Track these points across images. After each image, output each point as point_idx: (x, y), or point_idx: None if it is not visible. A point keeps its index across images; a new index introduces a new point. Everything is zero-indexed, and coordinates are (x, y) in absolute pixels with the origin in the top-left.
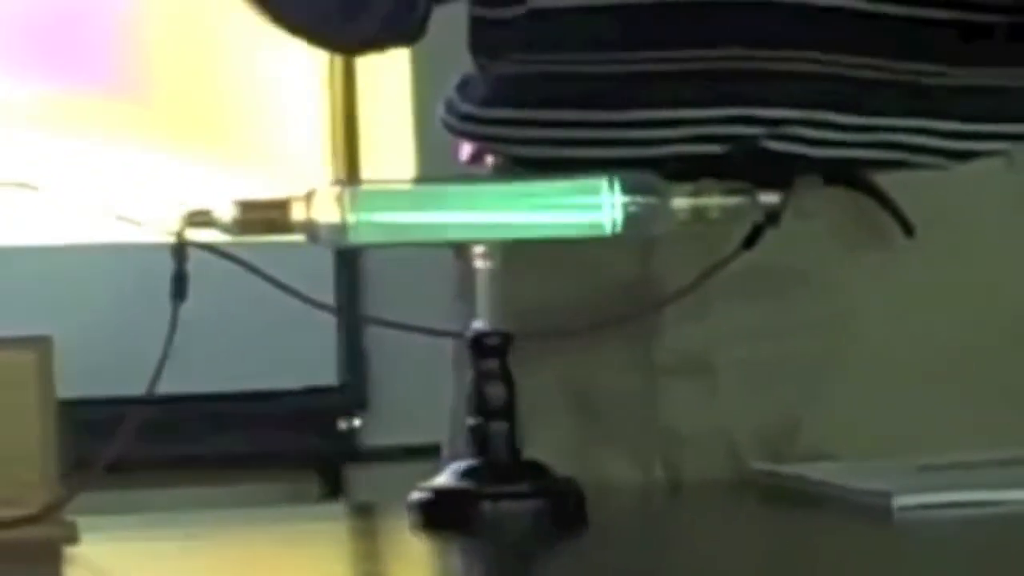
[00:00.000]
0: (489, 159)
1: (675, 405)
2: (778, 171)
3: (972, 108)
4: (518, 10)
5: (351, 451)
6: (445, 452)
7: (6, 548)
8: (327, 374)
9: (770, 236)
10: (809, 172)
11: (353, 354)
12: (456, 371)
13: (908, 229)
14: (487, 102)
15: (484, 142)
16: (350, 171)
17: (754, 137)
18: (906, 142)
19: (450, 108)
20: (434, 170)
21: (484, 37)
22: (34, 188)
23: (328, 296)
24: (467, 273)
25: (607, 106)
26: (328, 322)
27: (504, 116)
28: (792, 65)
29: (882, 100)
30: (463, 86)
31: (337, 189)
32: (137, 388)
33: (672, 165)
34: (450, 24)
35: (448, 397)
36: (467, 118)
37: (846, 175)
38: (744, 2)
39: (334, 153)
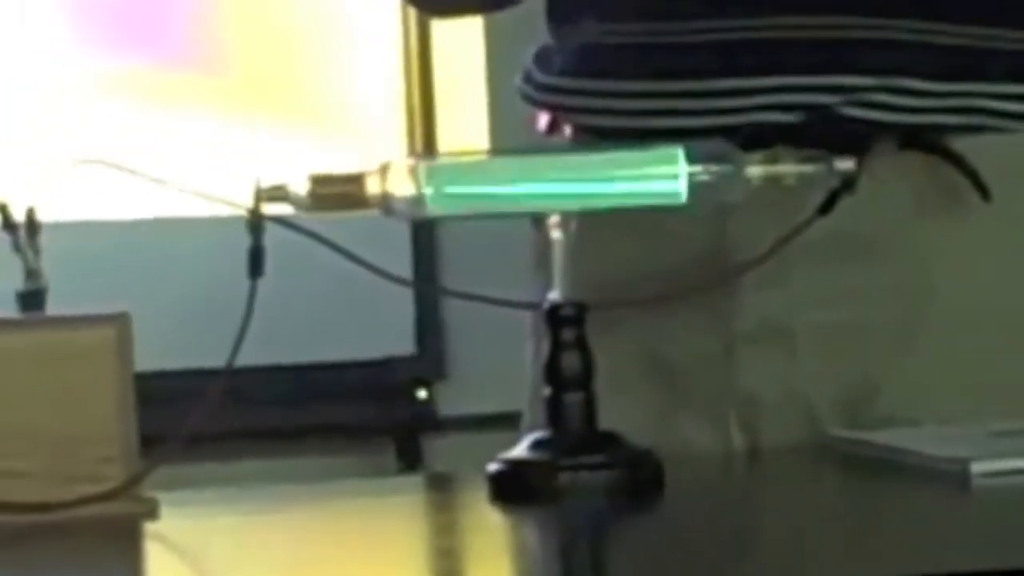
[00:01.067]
0: (567, 129)
1: (753, 371)
2: (854, 136)
3: None
4: None
5: (429, 421)
6: (525, 422)
7: (87, 524)
8: (404, 344)
9: (846, 201)
10: (886, 137)
11: (430, 324)
12: (534, 341)
13: (984, 192)
14: (565, 72)
15: (561, 112)
16: (427, 143)
17: (829, 106)
18: (989, 107)
19: (528, 79)
20: (508, 141)
21: (562, 5)
22: (112, 164)
23: (404, 266)
24: (545, 243)
25: (685, 76)
26: (405, 292)
27: (581, 87)
28: (877, 32)
29: (967, 66)
30: (540, 57)
31: (412, 162)
32: (216, 361)
33: (748, 132)
34: None
35: (526, 367)
36: (545, 88)
37: (921, 139)
38: None
39: (410, 125)
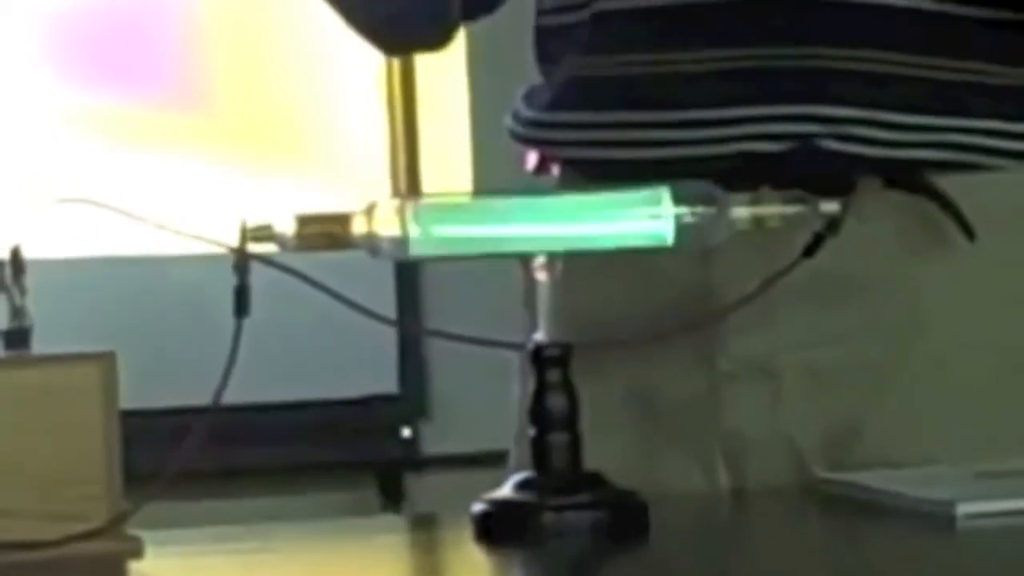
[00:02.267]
0: (555, 169)
1: (738, 412)
2: (838, 173)
3: None
4: (582, 15)
5: (412, 460)
6: (511, 462)
7: (71, 563)
8: (388, 383)
9: (831, 241)
10: (870, 174)
11: (413, 363)
12: (521, 380)
13: (970, 233)
14: (550, 106)
15: (548, 147)
16: (411, 183)
17: (813, 135)
18: (973, 143)
19: (516, 116)
20: (492, 182)
21: (548, 45)
22: (97, 203)
23: (388, 306)
24: (532, 284)
25: (668, 106)
26: (388, 331)
27: (567, 120)
28: (861, 65)
29: (949, 101)
30: (529, 96)
31: (398, 202)
32: (199, 399)
33: (732, 165)
34: (507, 37)
35: (512, 407)
36: (531, 123)
37: (907, 178)
38: (816, 1)
39: (394, 165)
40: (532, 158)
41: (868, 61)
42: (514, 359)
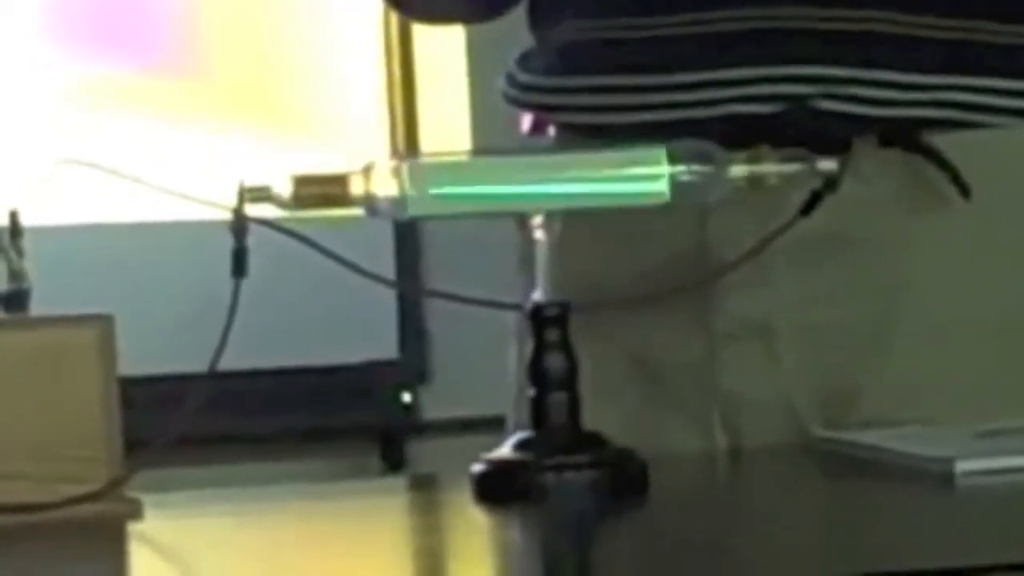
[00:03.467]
0: (550, 130)
1: (735, 371)
2: (832, 132)
3: None
4: None
5: (412, 424)
6: (509, 423)
7: (71, 525)
8: (388, 348)
9: (828, 200)
10: (866, 133)
11: (413, 328)
12: (518, 343)
13: (964, 191)
14: (545, 71)
15: (543, 111)
16: (409, 144)
17: (806, 96)
18: (969, 101)
19: (511, 80)
20: (490, 142)
21: (542, 8)
22: (94, 166)
23: (388, 270)
24: (529, 244)
25: (664, 69)
26: (388, 295)
27: (561, 84)
28: (856, 24)
29: (946, 59)
30: (523, 59)
31: (395, 162)
32: (198, 365)
33: (725, 127)
34: None
35: (509, 369)
36: (526, 88)
37: (903, 137)
38: None
39: (392, 127)
40: (527, 120)
41: (864, 20)
42: (511, 322)
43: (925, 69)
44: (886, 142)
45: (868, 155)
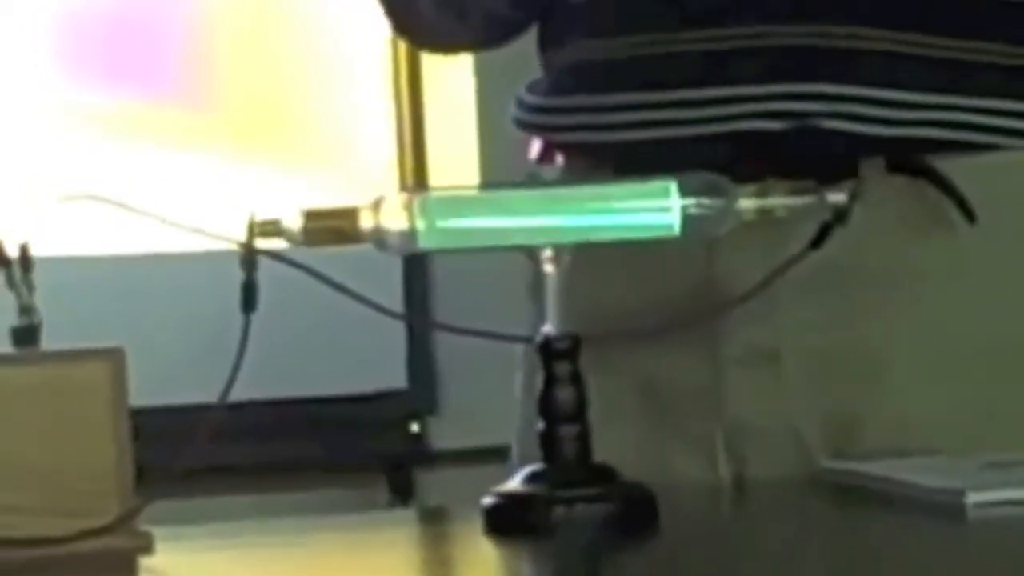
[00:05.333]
0: (559, 158)
1: (743, 401)
2: (839, 154)
3: None
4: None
5: (421, 454)
6: (514, 456)
7: (81, 559)
8: (396, 378)
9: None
10: (871, 154)
11: (422, 359)
12: (524, 376)
13: (970, 216)
14: (549, 92)
15: (547, 131)
16: (417, 176)
17: (811, 114)
18: (973, 121)
19: (520, 104)
20: (498, 176)
21: (551, 31)
22: (105, 199)
23: (396, 301)
24: (538, 276)
25: (671, 86)
26: (397, 326)
27: (563, 103)
28: (861, 43)
29: (950, 79)
30: (532, 85)
31: (405, 196)
32: (209, 396)
33: (729, 145)
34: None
35: (516, 400)
36: (532, 109)
37: (909, 161)
38: None
39: (401, 160)
40: (536, 147)
41: (869, 39)
42: (518, 354)
43: (928, 88)
44: (893, 167)
45: (875, 181)
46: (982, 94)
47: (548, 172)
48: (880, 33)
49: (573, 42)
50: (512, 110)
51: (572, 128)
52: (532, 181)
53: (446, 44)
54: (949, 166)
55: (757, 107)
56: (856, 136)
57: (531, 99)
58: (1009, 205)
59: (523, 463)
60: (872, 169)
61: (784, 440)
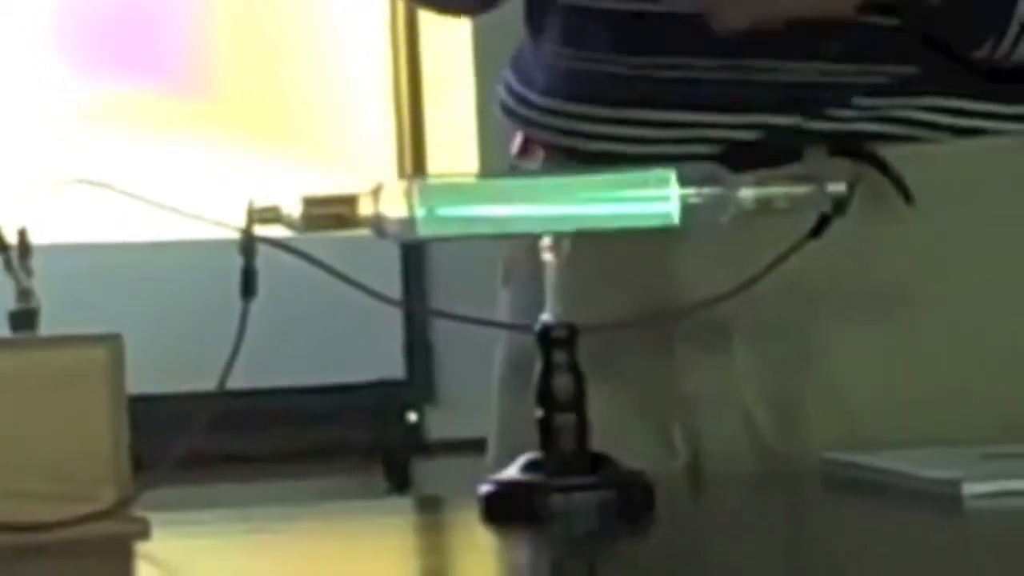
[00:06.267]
0: (540, 153)
1: (695, 382)
2: (786, 146)
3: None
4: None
5: (418, 444)
6: (491, 456)
7: (78, 544)
8: (394, 368)
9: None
10: (817, 143)
11: (420, 348)
12: (506, 368)
13: (908, 197)
14: (546, 92)
15: (539, 130)
16: (416, 164)
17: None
18: (913, 117)
19: (509, 90)
20: (497, 164)
21: (534, 16)
22: (104, 185)
23: (395, 290)
24: (513, 262)
25: (629, 104)
26: (395, 316)
27: (560, 108)
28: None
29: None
30: (518, 66)
31: (405, 183)
32: (206, 383)
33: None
34: (513, 19)
35: (494, 393)
36: (525, 103)
37: (850, 146)
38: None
39: (400, 148)
40: (517, 141)
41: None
42: (498, 347)
43: (878, 95)
44: (835, 152)
45: (819, 164)
46: (923, 93)
47: (529, 166)
48: (831, 67)
49: (547, 42)
50: (501, 94)
51: (560, 132)
52: (532, 170)
53: (439, 4)
54: (891, 153)
55: (746, 119)
56: (802, 131)
57: (523, 91)
58: (942, 191)
59: (501, 463)
60: (815, 154)
61: (736, 421)
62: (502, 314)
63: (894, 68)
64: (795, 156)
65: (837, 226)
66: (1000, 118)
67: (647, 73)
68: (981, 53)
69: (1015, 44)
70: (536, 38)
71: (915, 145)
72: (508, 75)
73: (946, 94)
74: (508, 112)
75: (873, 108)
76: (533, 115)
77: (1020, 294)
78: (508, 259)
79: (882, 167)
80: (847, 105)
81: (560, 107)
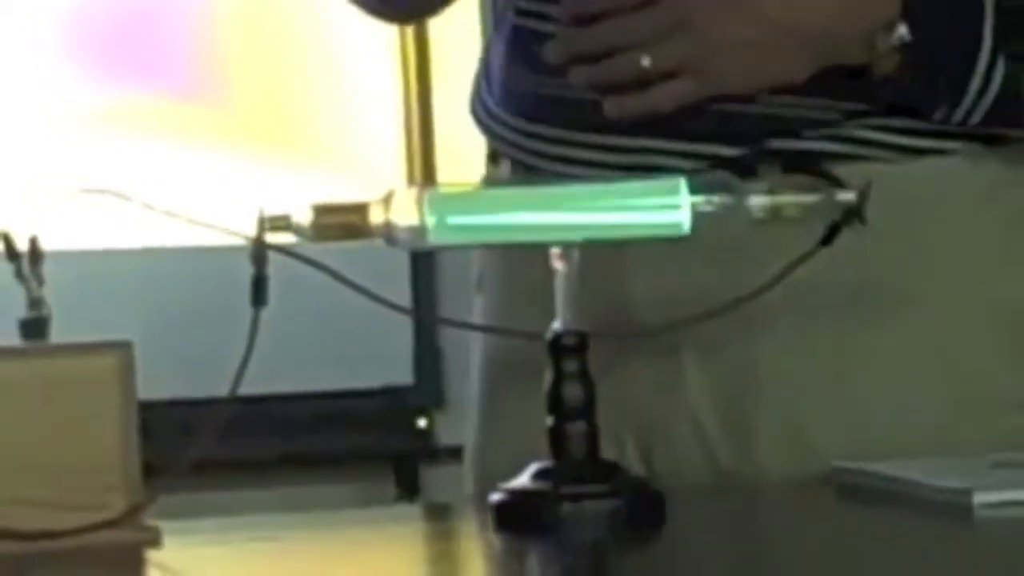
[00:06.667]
0: (506, 163)
1: (647, 395)
2: (740, 160)
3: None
4: (508, 17)
5: (427, 449)
6: (468, 471)
7: (89, 552)
8: (403, 374)
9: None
10: (770, 162)
11: (429, 354)
12: (484, 382)
13: (861, 217)
14: (502, 105)
15: (500, 142)
16: (425, 171)
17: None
18: (859, 136)
19: (477, 95)
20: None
21: (496, 21)
22: (117, 193)
23: (404, 296)
24: (487, 266)
25: (605, 131)
26: (404, 322)
27: (516, 125)
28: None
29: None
30: (485, 70)
31: (416, 192)
32: (216, 390)
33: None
34: None
35: (476, 400)
36: (490, 114)
37: (803, 163)
38: None
39: (409, 156)
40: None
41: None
42: (476, 355)
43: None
44: (789, 168)
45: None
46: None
47: (500, 172)
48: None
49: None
50: (472, 98)
51: (519, 148)
52: (542, 179)
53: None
54: (846, 172)
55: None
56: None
57: (488, 101)
58: (893, 210)
59: (480, 480)
60: (769, 169)
61: (689, 440)
62: (476, 318)
63: (844, 104)
64: (748, 172)
65: (794, 242)
66: (947, 137)
67: (594, 97)
68: (939, 116)
69: (970, 112)
70: (491, 47)
71: (865, 164)
72: (480, 82)
73: (893, 115)
74: (477, 119)
75: (820, 125)
76: (492, 125)
77: (973, 309)
78: (480, 264)
79: (836, 182)
80: (797, 136)
81: (511, 122)
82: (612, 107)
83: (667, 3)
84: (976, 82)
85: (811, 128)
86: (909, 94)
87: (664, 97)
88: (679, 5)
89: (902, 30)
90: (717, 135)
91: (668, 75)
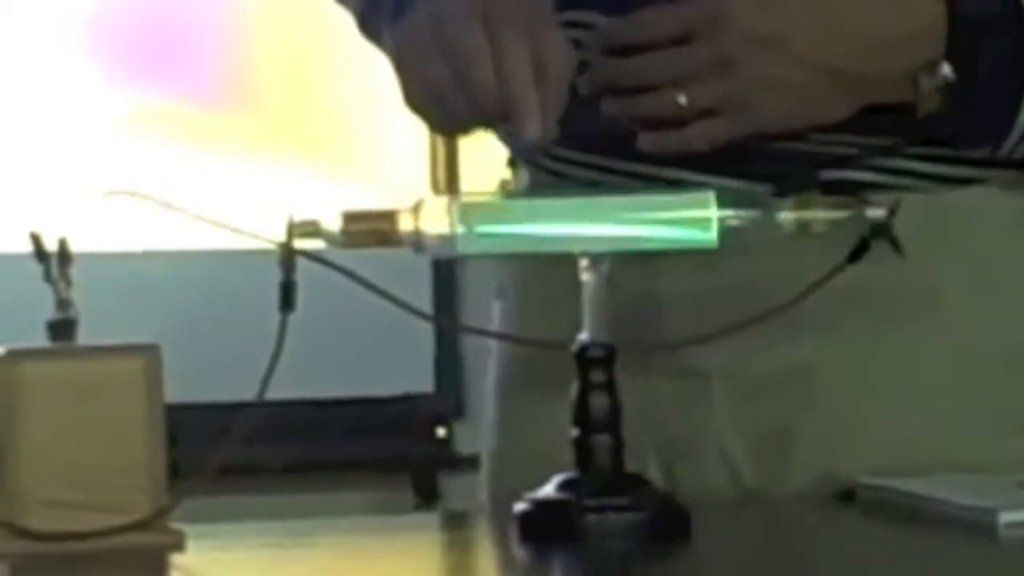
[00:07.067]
0: (525, 173)
1: (673, 418)
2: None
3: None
4: None
5: (446, 458)
6: (485, 480)
7: (113, 555)
8: (423, 381)
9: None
10: (809, 188)
11: (449, 363)
12: (499, 386)
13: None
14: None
15: (526, 163)
16: (449, 180)
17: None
18: (892, 166)
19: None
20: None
21: None
22: (146, 196)
23: (425, 304)
24: (508, 274)
25: (621, 156)
26: (424, 330)
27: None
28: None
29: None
30: None
31: (445, 200)
32: (239, 395)
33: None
34: None
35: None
36: (543, 153)
37: (839, 191)
38: None
39: (433, 160)
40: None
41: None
42: (492, 361)
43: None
44: (780, 192)
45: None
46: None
47: (519, 179)
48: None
49: None
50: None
51: (534, 164)
52: (572, 189)
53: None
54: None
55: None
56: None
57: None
58: (926, 236)
59: (496, 489)
60: (804, 180)
61: (712, 458)
62: (496, 326)
63: (873, 140)
64: (785, 192)
65: (820, 260)
66: (982, 165)
67: (616, 121)
68: (980, 154)
69: (1015, 147)
70: None
71: (899, 193)
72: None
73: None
74: (529, 163)
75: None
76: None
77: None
78: (501, 272)
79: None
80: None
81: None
82: (648, 142)
83: (704, 41)
84: (1023, 118)
85: (852, 162)
86: (954, 132)
87: (701, 135)
88: (717, 43)
89: (945, 70)
90: (762, 175)
91: (704, 113)
